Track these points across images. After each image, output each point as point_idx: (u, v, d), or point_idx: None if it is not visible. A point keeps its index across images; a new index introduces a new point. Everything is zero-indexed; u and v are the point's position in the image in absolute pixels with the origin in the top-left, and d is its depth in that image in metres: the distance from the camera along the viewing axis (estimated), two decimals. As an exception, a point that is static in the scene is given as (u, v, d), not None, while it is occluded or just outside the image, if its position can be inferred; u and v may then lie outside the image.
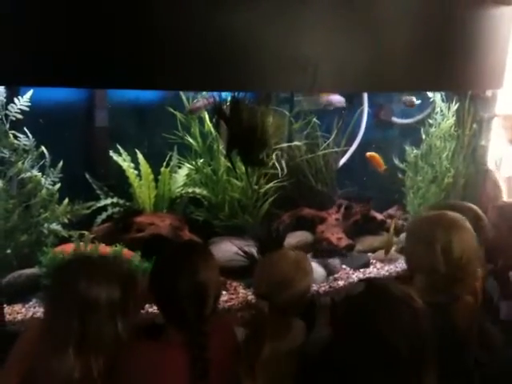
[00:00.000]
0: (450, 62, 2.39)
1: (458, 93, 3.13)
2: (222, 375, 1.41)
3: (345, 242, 2.91)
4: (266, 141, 2.23)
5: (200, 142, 2.83)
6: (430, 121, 3.27)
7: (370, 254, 2.99)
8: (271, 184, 2.85)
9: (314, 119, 3.02)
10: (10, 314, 2.11)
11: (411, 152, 3.32)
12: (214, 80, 1.86)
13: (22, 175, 2.33)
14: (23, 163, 2.32)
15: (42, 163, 2.40)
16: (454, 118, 3.16)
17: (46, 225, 2.41)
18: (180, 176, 2.87)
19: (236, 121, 2.08)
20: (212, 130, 2.77)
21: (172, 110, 2.71)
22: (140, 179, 2.73)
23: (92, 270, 1.31)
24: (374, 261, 2.94)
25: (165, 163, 2.75)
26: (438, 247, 1.58)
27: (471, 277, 1.64)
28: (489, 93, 3.10)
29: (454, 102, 3.14)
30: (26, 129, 2.34)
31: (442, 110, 3.21)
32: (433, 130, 3.24)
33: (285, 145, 2.93)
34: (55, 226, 2.43)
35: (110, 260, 1.44)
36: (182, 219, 2.71)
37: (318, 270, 2.60)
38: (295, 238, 2.89)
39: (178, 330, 1.41)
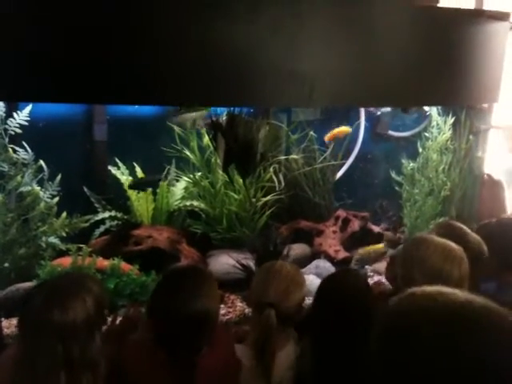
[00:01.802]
0: (446, 77, 2.41)
1: (454, 107, 3.16)
2: None
3: (342, 254, 2.92)
4: (263, 154, 2.25)
5: (198, 155, 2.86)
6: (427, 134, 3.29)
7: (367, 267, 3.00)
8: (269, 197, 2.86)
9: (311, 132, 3.05)
10: (7, 328, 2.11)
11: (408, 165, 3.35)
12: (211, 95, 1.88)
13: (21, 189, 2.34)
14: (22, 177, 2.34)
15: (40, 177, 2.42)
16: (451, 132, 3.19)
17: (44, 238, 2.42)
18: (178, 189, 2.89)
19: (233, 134, 2.10)
20: (210, 143, 2.79)
21: (170, 124, 2.73)
22: (138, 192, 2.74)
23: (60, 296, 1.27)
24: (372, 273, 2.95)
25: (163, 176, 2.76)
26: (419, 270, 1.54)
27: None
28: (485, 104, 3.12)
29: (450, 116, 3.16)
30: (24, 143, 2.36)
31: (438, 124, 3.23)
32: (429, 143, 3.26)
33: (282, 158, 2.95)
34: (53, 240, 2.44)
35: (75, 279, 1.40)
36: (180, 232, 2.72)
37: (315, 281, 2.60)
38: (293, 250, 2.88)
39: (168, 354, 1.37)
